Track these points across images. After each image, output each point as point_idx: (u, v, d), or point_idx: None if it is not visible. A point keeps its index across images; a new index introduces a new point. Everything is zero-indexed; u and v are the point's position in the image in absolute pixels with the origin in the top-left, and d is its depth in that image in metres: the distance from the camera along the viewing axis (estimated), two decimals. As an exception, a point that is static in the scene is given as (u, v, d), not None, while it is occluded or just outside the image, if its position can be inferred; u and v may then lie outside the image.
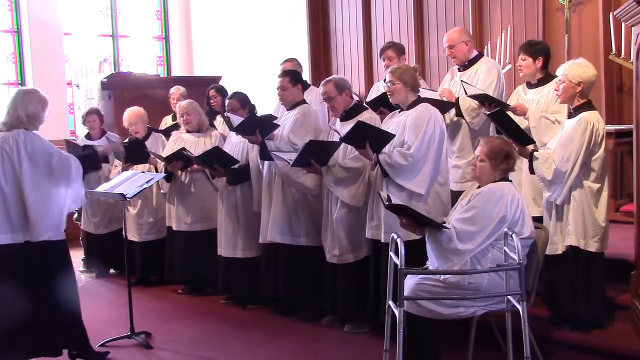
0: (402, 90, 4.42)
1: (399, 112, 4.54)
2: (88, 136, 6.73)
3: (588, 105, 4.25)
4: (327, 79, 4.91)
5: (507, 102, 4.82)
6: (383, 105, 4.93)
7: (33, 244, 4.09)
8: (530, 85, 4.83)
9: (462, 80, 4.93)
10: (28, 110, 4.12)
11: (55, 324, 4.18)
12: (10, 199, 4.05)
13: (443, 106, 4.80)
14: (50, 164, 4.09)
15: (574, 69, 4.23)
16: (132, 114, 6.38)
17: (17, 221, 4.06)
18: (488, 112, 4.58)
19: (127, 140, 6.39)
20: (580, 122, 4.17)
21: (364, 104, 5.06)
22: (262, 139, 4.96)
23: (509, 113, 4.52)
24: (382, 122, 4.73)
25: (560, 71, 4.30)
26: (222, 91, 6.52)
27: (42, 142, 4.13)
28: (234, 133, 5.37)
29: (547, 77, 4.75)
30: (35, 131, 4.19)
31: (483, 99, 4.70)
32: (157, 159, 5.99)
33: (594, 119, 4.18)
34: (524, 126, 4.51)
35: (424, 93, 4.71)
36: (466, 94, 4.80)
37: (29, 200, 4.04)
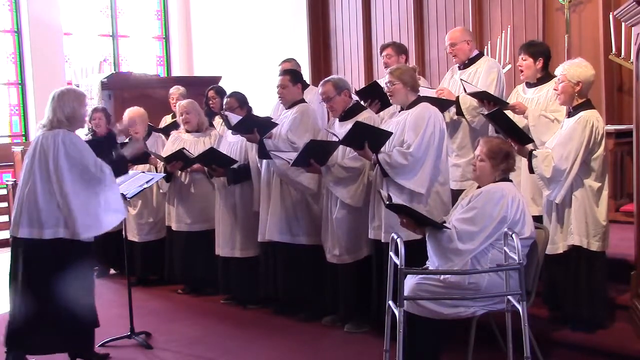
0: (402, 90, 4.42)
1: (399, 111, 4.54)
2: (93, 134, 6.70)
3: (587, 104, 4.24)
4: (326, 79, 4.90)
5: (506, 101, 4.82)
6: (374, 96, 4.92)
7: (56, 241, 4.09)
8: (529, 85, 4.83)
9: (461, 79, 4.93)
10: (65, 111, 4.17)
11: (63, 322, 4.16)
12: (41, 195, 4.06)
13: (442, 104, 4.79)
14: (87, 169, 4.11)
15: (573, 69, 4.23)
16: (132, 114, 6.38)
17: (47, 218, 4.06)
18: (486, 113, 4.57)
19: (127, 140, 6.39)
20: (580, 121, 4.16)
21: (354, 93, 5.04)
22: (261, 137, 4.96)
23: (508, 112, 4.52)
24: (376, 114, 4.72)
25: (559, 71, 4.29)
26: (221, 92, 6.50)
27: (81, 145, 4.17)
28: (230, 132, 5.36)
29: (546, 76, 4.74)
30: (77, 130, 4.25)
31: (482, 97, 4.70)
32: (157, 159, 5.98)
33: (593, 117, 4.18)
34: (523, 125, 4.52)
35: (423, 91, 4.71)
36: (465, 92, 4.80)
37: (68, 198, 4.05)
